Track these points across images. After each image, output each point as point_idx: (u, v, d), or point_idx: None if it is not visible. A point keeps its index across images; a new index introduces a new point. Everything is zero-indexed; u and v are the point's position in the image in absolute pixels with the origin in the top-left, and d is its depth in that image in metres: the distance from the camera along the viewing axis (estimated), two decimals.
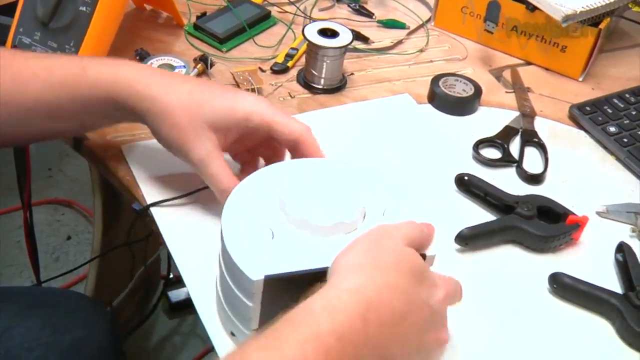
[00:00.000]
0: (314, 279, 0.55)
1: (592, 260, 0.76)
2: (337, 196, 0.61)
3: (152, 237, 1.40)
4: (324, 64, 0.92)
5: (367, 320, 0.49)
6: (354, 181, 0.63)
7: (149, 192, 0.76)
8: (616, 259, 0.76)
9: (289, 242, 0.57)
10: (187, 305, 1.56)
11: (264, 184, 0.62)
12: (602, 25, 0.98)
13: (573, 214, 0.77)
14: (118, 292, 1.47)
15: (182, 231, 0.73)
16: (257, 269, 0.54)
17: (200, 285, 0.67)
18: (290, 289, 0.56)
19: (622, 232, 0.80)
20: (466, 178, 0.81)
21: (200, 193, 0.74)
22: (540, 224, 0.76)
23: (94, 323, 0.89)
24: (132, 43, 0.96)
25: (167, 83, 0.69)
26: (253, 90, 0.90)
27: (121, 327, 1.46)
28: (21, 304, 0.86)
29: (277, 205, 0.60)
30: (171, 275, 1.59)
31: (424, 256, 0.58)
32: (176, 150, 0.70)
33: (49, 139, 0.78)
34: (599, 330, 0.70)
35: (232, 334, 0.62)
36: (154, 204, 0.74)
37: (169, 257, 0.72)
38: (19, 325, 0.83)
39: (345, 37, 0.91)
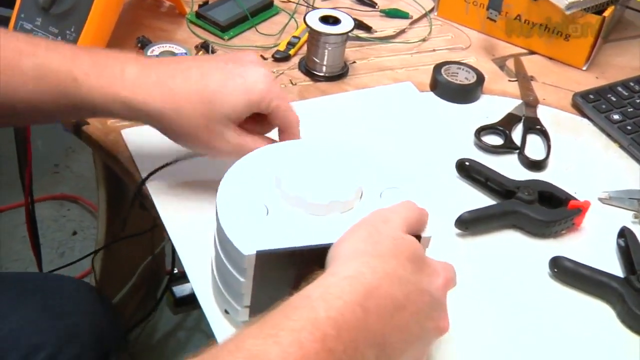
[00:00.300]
0: (308, 258, 0.55)
1: (594, 245, 0.76)
2: (333, 175, 0.60)
3: (157, 231, 1.41)
4: (326, 51, 0.92)
5: (366, 308, 0.48)
6: (352, 162, 0.62)
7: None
8: (618, 244, 0.75)
9: (284, 219, 0.57)
10: (191, 301, 1.56)
11: (260, 163, 0.62)
12: (606, 13, 0.97)
13: (575, 199, 0.76)
14: (123, 286, 1.47)
15: (181, 216, 0.73)
16: (249, 244, 0.54)
17: (199, 268, 0.67)
18: (284, 268, 0.56)
19: (624, 218, 0.79)
20: (467, 163, 0.80)
21: (199, 175, 0.75)
22: (541, 208, 0.75)
23: (93, 308, 0.89)
24: (134, 31, 0.96)
25: (169, 86, 0.65)
26: None
27: (125, 322, 1.46)
28: (20, 289, 0.86)
29: (273, 184, 0.59)
30: (175, 271, 1.58)
31: (419, 238, 0.57)
32: (200, 150, 0.70)
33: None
34: (599, 314, 0.69)
35: (226, 312, 0.61)
36: (149, 176, 0.75)
37: (174, 251, 0.71)
38: (17, 310, 0.83)
39: (346, 24, 0.91)
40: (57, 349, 0.83)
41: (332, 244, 0.54)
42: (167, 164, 0.76)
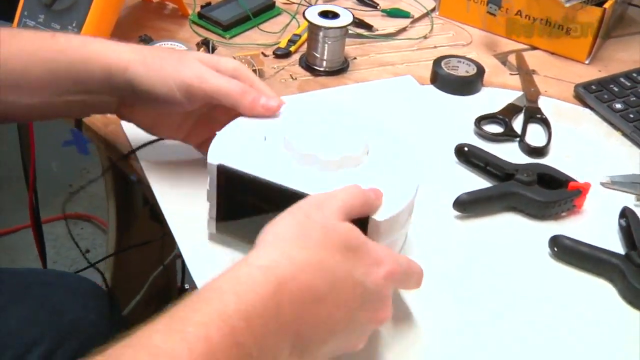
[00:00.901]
0: (274, 198, 0.57)
1: (595, 227, 0.74)
2: (334, 135, 0.62)
3: (167, 242, 1.40)
4: (326, 45, 0.92)
5: (278, 300, 0.47)
6: (359, 130, 0.63)
7: (149, 167, 0.76)
8: (619, 224, 0.74)
9: (268, 155, 0.60)
10: None
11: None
12: (606, 5, 0.97)
13: (574, 180, 0.76)
14: (132, 299, 1.47)
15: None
16: (218, 156, 0.59)
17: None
18: (252, 196, 0.59)
19: (626, 201, 0.78)
20: (466, 149, 0.80)
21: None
22: (540, 189, 0.75)
23: (93, 304, 0.88)
24: (136, 31, 0.97)
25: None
26: (254, 72, 0.91)
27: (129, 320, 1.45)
28: (20, 284, 0.86)
29: (278, 131, 0.62)
30: (186, 286, 1.58)
31: (366, 221, 0.56)
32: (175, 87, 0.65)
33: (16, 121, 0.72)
34: (600, 291, 0.68)
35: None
36: (139, 148, 0.77)
37: (184, 267, 0.71)
38: (17, 304, 0.83)
39: (346, 18, 0.92)
40: (56, 344, 0.82)
41: (294, 190, 0.56)
42: (160, 139, 0.76)
